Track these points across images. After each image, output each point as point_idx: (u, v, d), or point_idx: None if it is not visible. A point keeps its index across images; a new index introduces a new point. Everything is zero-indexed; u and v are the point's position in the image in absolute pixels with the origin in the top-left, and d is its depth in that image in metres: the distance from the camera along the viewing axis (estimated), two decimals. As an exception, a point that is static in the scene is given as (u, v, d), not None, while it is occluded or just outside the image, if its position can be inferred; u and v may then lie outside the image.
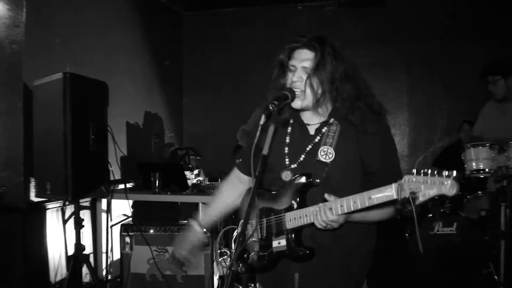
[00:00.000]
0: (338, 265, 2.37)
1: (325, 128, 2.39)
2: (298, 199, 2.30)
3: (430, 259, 5.46)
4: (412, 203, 1.78)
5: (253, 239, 2.45)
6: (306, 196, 2.32)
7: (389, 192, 1.95)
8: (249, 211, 2.05)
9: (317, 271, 2.35)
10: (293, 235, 2.28)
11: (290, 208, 2.31)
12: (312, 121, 2.45)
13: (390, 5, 8.18)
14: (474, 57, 7.66)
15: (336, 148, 2.33)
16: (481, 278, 5.47)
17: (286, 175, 2.39)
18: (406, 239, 5.58)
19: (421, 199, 1.79)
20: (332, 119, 2.39)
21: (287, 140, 2.48)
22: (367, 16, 8.30)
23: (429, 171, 1.79)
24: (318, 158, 2.33)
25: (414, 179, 1.83)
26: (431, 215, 5.54)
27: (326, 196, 2.14)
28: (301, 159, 2.40)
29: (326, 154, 2.33)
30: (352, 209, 2.07)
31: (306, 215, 2.22)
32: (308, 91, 2.31)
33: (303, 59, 2.32)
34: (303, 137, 2.45)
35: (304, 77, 2.31)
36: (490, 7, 7.88)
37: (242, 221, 2.11)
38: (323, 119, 2.41)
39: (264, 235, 2.40)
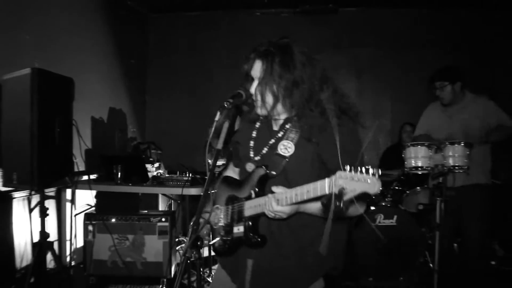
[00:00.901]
0: (292, 257, 2.37)
1: (289, 124, 2.41)
2: (256, 189, 2.32)
3: (372, 248, 5.57)
4: (340, 197, 1.73)
5: (220, 224, 2.49)
6: (265, 187, 2.32)
7: (321, 186, 1.92)
8: (203, 201, 2.08)
9: (270, 260, 2.36)
10: (250, 223, 2.30)
11: (249, 197, 2.34)
12: (279, 116, 2.47)
13: (342, 14, 8.35)
14: (418, 65, 7.87)
15: (297, 144, 2.34)
16: (418, 266, 5.61)
17: (249, 167, 2.42)
18: (350, 230, 5.68)
19: (349, 195, 1.73)
20: (296, 117, 2.40)
21: (254, 135, 2.53)
22: (321, 24, 8.39)
23: (360, 168, 1.75)
24: (277, 152, 2.36)
25: (344, 175, 1.78)
26: (374, 208, 5.66)
27: (274, 188, 2.16)
28: (264, 151, 2.44)
29: (286, 148, 2.34)
30: (294, 201, 2.06)
31: (259, 205, 2.24)
32: (261, 100, 2.36)
33: (257, 70, 2.36)
34: (268, 131, 2.49)
35: (262, 87, 2.34)
36: (435, 19, 8.10)
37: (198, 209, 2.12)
38: (288, 115, 2.44)
39: (229, 221, 2.43)
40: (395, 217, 5.58)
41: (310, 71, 2.31)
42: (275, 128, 2.47)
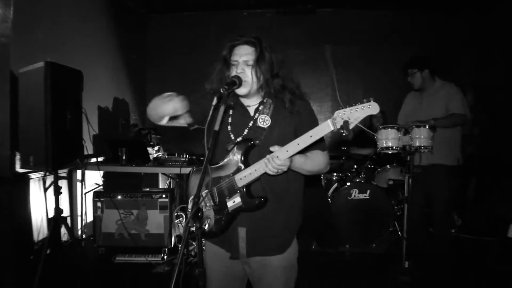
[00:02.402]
0: (278, 218, 2.40)
1: (262, 106, 2.45)
2: (243, 161, 2.31)
3: (348, 219, 5.64)
4: (346, 128, 1.93)
5: (207, 208, 2.41)
6: (249, 158, 2.32)
7: (326, 126, 2.06)
8: (202, 177, 2.04)
9: (260, 224, 2.38)
10: (245, 191, 2.29)
11: (237, 170, 2.31)
12: (251, 103, 2.48)
13: (320, 14, 8.38)
14: (386, 58, 7.90)
15: (272, 117, 2.40)
16: (388, 234, 5.66)
17: (231, 147, 2.39)
18: (328, 201, 5.71)
19: (354, 123, 1.94)
20: (267, 98, 2.44)
21: (230, 120, 2.48)
22: (301, 22, 8.43)
23: (353, 104, 1.96)
24: (258, 124, 2.39)
25: (344, 112, 1.97)
26: (349, 183, 5.69)
27: (271, 148, 2.18)
28: (245, 133, 2.42)
29: (264, 121, 2.39)
30: (296, 150, 2.13)
31: (255, 170, 2.24)
32: (252, 79, 2.35)
33: (244, 54, 2.36)
34: (244, 116, 2.47)
35: (246, 68, 2.35)
36: (399, 19, 8.22)
37: (196, 188, 2.07)
38: (260, 100, 2.47)
39: (217, 200, 2.38)
40: (368, 191, 5.64)
41: (279, 58, 2.42)
42: (251, 113, 2.47)
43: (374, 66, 8.23)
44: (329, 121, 2.05)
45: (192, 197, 2.46)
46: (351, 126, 1.96)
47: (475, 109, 7.00)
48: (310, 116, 2.45)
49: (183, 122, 2.56)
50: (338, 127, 2.00)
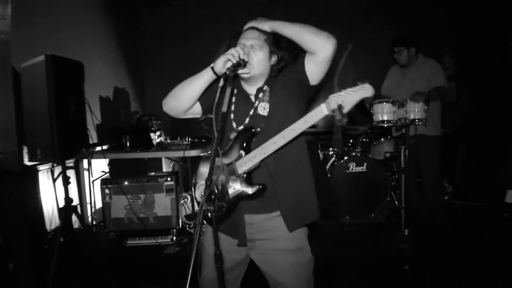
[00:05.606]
0: (287, 203, 2.26)
1: (261, 93, 2.33)
2: (244, 148, 2.19)
3: (347, 191, 5.60)
4: (340, 111, 1.80)
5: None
6: (251, 146, 2.21)
7: (320, 111, 1.93)
8: (213, 159, 1.91)
9: (268, 210, 2.29)
10: (245, 177, 2.18)
11: (239, 158, 2.20)
12: (252, 90, 2.37)
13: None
14: (370, 37, 7.83)
15: (271, 103, 2.29)
16: (385, 204, 5.63)
17: (233, 135, 2.29)
18: (327, 175, 5.64)
19: (348, 106, 1.82)
20: (266, 86, 2.34)
21: (232, 108, 2.38)
22: (291, 6, 8.23)
23: (347, 87, 1.83)
24: (258, 112, 2.29)
25: (338, 95, 1.85)
26: (346, 157, 5.62)
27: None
28: (246, 121, 2.31)
29: (264, 108, 2.29)
30: (292, 136, 2.03)
31: (254, 156, 2.14)
32: (256, 63, 2.27)
33: (251, 38, 2.31)
34: (246, 103, 2.36)
35: (252, 51, 2.27)
36: (379, 5, 8.16)
37: (208, 171, 1.95)
38: (260, 85, 2.36)
39: (220, 187, 2.25)
40: (365, 164, 5.59)
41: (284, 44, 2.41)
42: (253, 100, 2.37)
43: (359, 44, 8.16)
44: (323, 105, 1.92)
45: (203, 181, 2.24)
46: (345, 110, 1.83)
47: (457, 80, 6.95)
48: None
49: None
50: (332, 110, 1.88)
